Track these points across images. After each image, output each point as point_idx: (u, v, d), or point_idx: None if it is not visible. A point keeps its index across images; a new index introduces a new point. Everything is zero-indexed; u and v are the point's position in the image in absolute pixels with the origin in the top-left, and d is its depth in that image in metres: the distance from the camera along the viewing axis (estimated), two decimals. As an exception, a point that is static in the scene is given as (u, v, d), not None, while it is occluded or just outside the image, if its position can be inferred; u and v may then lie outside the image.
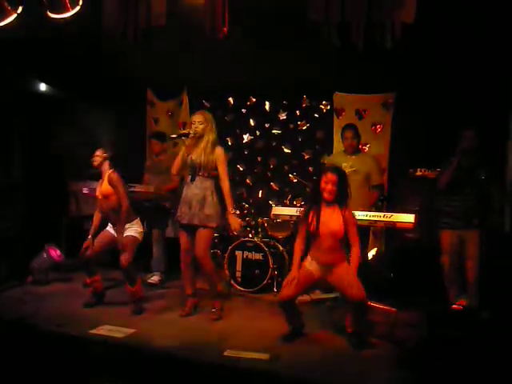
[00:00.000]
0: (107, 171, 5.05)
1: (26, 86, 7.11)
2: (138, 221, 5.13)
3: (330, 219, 4.17)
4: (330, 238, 4.15)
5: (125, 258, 4.87)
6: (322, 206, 4.21)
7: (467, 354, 3.52)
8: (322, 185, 4.16)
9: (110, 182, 4.98)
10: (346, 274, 4.11)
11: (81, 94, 7.30)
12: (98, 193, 5.12)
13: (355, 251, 4.21)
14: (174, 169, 4.88)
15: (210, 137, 4.75)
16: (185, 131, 4.78)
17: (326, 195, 4.16)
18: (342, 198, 4.19)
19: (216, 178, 4.79)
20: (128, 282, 4.99)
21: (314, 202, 4.26)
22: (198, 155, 4.70)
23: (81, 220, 7.05)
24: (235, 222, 4.80)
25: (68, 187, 7.04)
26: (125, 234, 4.97)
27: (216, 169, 4.74)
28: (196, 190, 4.74)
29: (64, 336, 4.19)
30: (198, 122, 4.74)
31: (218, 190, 4.83)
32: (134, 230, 5.02)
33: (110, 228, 5.15)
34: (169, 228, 6.61)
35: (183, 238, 4.87)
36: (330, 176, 4.13)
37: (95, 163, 5.12)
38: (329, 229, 4.14)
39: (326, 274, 4.23)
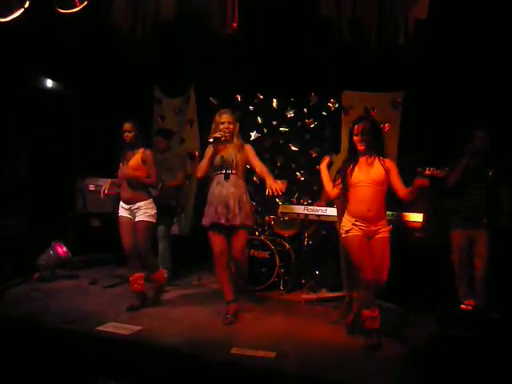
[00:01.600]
0: (137, 151, 5.01)
1: (32, 82, 7.11)
2: (150, 202, 5.03)
3: (370, 169, 4.07)
4: (371, 187, 4.02)
5: (140, 245, 4.88)
6: (360, 159, 4.11)
7: (476, 353, 3.49)
8: (354, 138, 4.09)
9: (144, 159, 4.97)
10: (381, 254, 4.06)
11: (87, 91, 7.31)
12: (121, 174, 5.05)
13: (406, 192, 4.06)
14: (201, 172, 4.64)
15: (239, 136, 4.76)
16: (217, 135, 4.51)
17: (358, 146, 4.07)
18: (377, 148, 4.11)
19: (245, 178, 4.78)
20: (149, 270, 5.05)
21: (351, 156, 4.15)
22: (229, 154, 4.60)
23: (87, 217, 7.06)
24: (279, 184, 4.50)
25: (74, 184, 7.03)
26: (136, 219, 4.94)
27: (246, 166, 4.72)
28: (232, 188, 4.58)
29: (70, 333, 4.18)
30: (228, 122, 4.63)
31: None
32: (143, 212, 4.94)
33: (123, 212, 5.03)
34: (174, 225, 6.60)
35: (219, 240, 4.64)
36: (358, 126, 4.06)
37: (128, 138, 5.01)
38: (369, 178, 4.03)
39: (371, 236, 4.09)
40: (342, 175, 4.14)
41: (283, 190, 4.47)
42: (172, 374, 3.64)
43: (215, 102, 7.43)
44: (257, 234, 6.40)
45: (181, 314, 4.90)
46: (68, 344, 4.02)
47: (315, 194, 6.88)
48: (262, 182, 7.28)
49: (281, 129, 7.36)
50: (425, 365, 3.58)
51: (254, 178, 7.40)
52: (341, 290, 5.42)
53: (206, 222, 4.65)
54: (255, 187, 7.40)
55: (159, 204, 6.12)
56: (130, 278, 5.06)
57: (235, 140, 4.66)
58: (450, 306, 4.30)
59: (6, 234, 6.26)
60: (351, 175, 4.08)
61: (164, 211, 6.30)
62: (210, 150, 4.61)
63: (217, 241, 4.64)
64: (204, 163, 4.62)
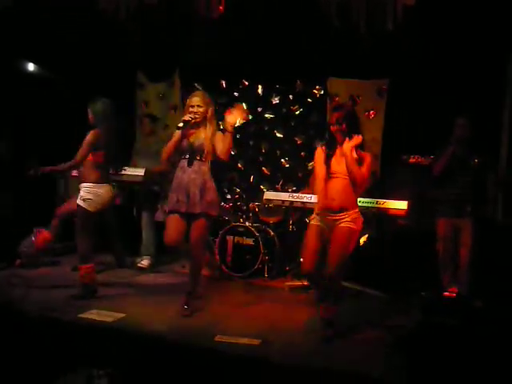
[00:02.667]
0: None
1: (17, 66, 6.99)
2: (95, 186, 4.71)
3: (343, 159, 3.93)
4: (344, 179, 3.92)
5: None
6: (338, 149, 4.00)
7: (459, 341, 3.51)
8: (332, 129, 4.03)
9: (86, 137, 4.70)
10: (338, 244, 3.90)
11: (70, 75, 7.20)
12: None
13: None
14: (166, 155, 4.40)
15: (213, 123, 4.43)
16: (186, 118, 4.27)
17: (336, 135, 4.00)
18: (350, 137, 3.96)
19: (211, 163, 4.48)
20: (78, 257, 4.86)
21: (329, 146, 4.03)
22: (198, 140, 4.33)
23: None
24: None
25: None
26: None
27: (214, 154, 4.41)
28: (194, 174, 4.31)
29: (53, 320, 4.14)
30: (197, 105, 4.34)
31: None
32: (79, 195, 4.71)
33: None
34: (158, 212, 6.56)
35: (175, 227, 4.35)
36: (335, 116, 4.01)
37: (90, 118, 4.82)
38: (342, 168, 3.91)
39: (332, 227, 3.96)
40: (326, 166, 3.99)
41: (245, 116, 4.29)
42: (155, 361, 3.62)
43: (199, 88, 7.35)
44: (241, 220, 6.38)
45: (164, 301, 4.85)
46: (50, 331, 3.98)
47: (300, 181, 6.87)
48: (247, 168, 7.34)
49: (266, 115, 7.31)
50: (408, 352, 3.60)
51: (239, 165, 7.38)
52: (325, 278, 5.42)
53: (167, 209, 4.45)
54: (240, 173, 7.38)
55: (143, 190, 6.13)
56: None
57: (207, 125, 4.37)
58: (433, 294, 4.34)
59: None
60: (329, 166, 3.96)
61: (147, 197, 6.26)
62: (176, 135, 4.37)
63: (172, 226, 4.36)
64: (169, 145, 4.37)
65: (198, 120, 4.33)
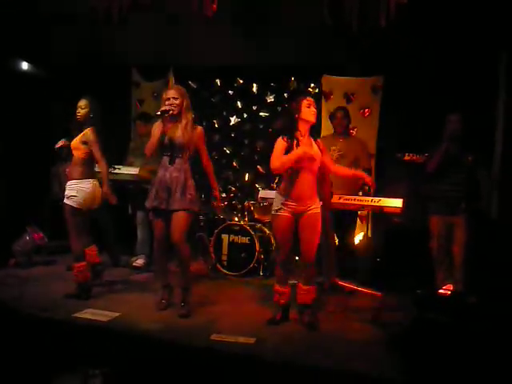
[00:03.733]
0: (84, 130, 4.77)
1: (8, 64, 6.95)
2: (78, 182, 4.72)
3: (310, 147, 4.09)
4: (310, 167, 4.07)
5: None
6: (301, 136, 4.12)
7: (454, 338, 3.52)
8: (308, 110, 4.08)
9: (85, 139, 4.73)
10: (311, 231, 4.11)
11: (64, 74, 7.17)
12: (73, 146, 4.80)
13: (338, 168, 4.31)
14: (149, 150, 4.36)
15: (189, 115, 4.41)
16: (163, 108, 4.29)
17: (311, 118, 4.10)
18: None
19: (191, 160, 4.52)
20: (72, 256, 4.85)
21: (292, 135, 4.10)
22: (178, 135, 4.33)
23: (63, 202, 6.95)
24: (219, 207, 4.80)
25: (50, 168, 6.91)
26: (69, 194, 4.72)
27: (195, 149, 4.47)
28: (176, 172, 4.35)
29: (47, 320, 4.13)
30: (173, 97, 4.35)
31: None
32: (68, 193, 4.73)
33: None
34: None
35: (159, 225, 4.44)
36: (310, 99, 4.12)
37: (79, 115, 4.80)
38: (311, 156, 4.05)
39: (299, 217, 4.14)
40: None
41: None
42: (151, 360, 3.61)
43: (194, 86, 7.35)
44: (236, 219, 6.37)
45: (160, 300, 4.85)
46: (45, 331, 3.97)
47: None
48: (242, 166, 7.33)
49: (261, 113, 7.31)
50: (403, 349, 3.61)
51: (234, 163, 7.37)
52: (320, 276, 5.43)
53: (148, 204, 4.44)
54: (235, 172, 7.37)
55: (137, 189, 6.10)
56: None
57: (183, 118, 4.36)
58: (428, 291, 4.34)
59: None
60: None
61: (142, 196, 6.23)
62: (158, 127, 4.33)
63: (157, 225, 4.45)
64: (152, 141, 4.33)
65: (174, 112, 4.32)
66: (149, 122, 6.52)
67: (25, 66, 7.18)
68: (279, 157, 4.06)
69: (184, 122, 4.36)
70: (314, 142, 4.16)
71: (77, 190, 4.70)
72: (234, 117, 7.40)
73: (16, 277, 5.44)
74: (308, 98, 4.12)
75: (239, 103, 7.40)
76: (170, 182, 4.34)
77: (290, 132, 4.11)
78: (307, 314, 4.24)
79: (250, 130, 7.36)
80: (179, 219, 4.34)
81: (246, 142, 7.36)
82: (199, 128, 4.49)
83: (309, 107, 4.08)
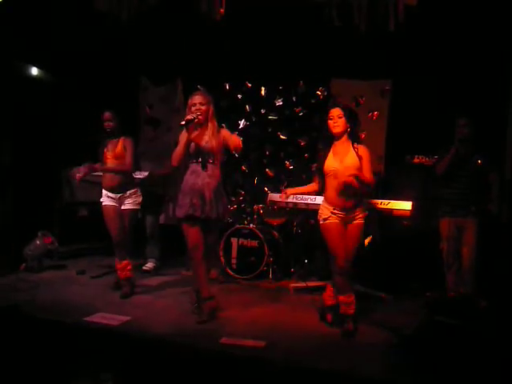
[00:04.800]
0: (119, 139, 5.11)
1: (18, 69, 7.00)
2: (137, 190, 5.20)
3: (344, 155, 4.09)
4: (345, 174, 4.00)
5: (128, 232, 5.07)
6: (334, 145, 4.14)
7: (464, 341, 3.51)
8: (329, 123, 4.11)
9: (125, 146, 5.07)
10: (353, 237, 4.14)
11: (73, 79, 7.22)
12: (108, 157, 5.09)
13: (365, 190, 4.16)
14: (176, 159, 4.26)
15: (215, 120, 4.37)
16: (189, 117, 4.19)
17: (332, 130, 4.10)
18: (351, 133, 4.14)
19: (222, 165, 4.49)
20: (121, 256, 5.06)
21: (326, 143, 4.17)
22: (205, 141, 4.26)
23: (75, 206, 7.00)
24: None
25: (61, 173, 6.96)
26: (125, 207, 5.06)
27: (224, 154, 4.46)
28: (207, 178, 4.26)
29: (58, 324, 4.15)
30: (199, 103, 4.27)
31: None
32: (132, 200, 5.11)
33: (109, 201, 5.06)
34: (163, 215, 6.57)
35: (193, 233, 4.29)
36: (332, 111, 4.10)
37: (109, 127, 5.09)
38: (343, 164, 4.05)
39: (346, 222, 4.15)
40: (319, 163, 4.15)
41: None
42: (161, 364, 3.62)
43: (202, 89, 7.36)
44: (245, 223, 6.38)
45: (169, 304, 4.88)
46: (56, 335, 3.99)
47: (304, 183, 6.85)
48: (251, 170, 7.33)
49: (269, 117, 7.31)
50: (414, 352, 3.59)
51: (243, 167, 7.37)
52: (330, 279, 5.42)
53: (180, 213, 4.31)
54: (244, 175, 7.37)
55: (147, 193, 6.13)
56: (118, 266, 5.08)
57: (209, 124, 4.31)
58: (438, 294, 4.33)
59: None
60: (325, 161, 4.11)
61: (152, 200, 6.27)
62: (184, 136, 4.25)
63: (191, 233, 4.29)
64: (179, 150, 4.25)
65: (200, 118, 4.26)
66: (157, 127, 6.57)
67: (34, 71, 7.23)
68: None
69: (211, 127, 4.31)
70: (352, 149, 4.10)
71: (140, 196, 5.22)
72: (243, 120, 7.40)
73: (27, 281, 5.47)
74: (331, 111, 4.12)
75: (247, 107, 7.41)
76: (203, 189, 4.26)
77: (324, 142, 4.21)
78: (349, 323, 4.17)
79: (258, 133, 7.36)
80: (215, 228, 4.50)
81: (255, 145, 7.36)
82: (223, 130, 4.49)
83: (331, 119, 4.10)
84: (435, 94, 5.83)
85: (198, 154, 4.29)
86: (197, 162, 4.31)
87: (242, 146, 4.41)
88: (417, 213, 5.13)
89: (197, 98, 4.30)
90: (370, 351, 3.82)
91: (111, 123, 5.07)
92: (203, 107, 4.27)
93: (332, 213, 4.12)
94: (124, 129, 5.20)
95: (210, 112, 4.33)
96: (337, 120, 4.07)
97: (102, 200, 5.06)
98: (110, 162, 5.05)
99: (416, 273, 5.38)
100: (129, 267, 5.10)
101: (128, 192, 5.07)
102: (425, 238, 5.45)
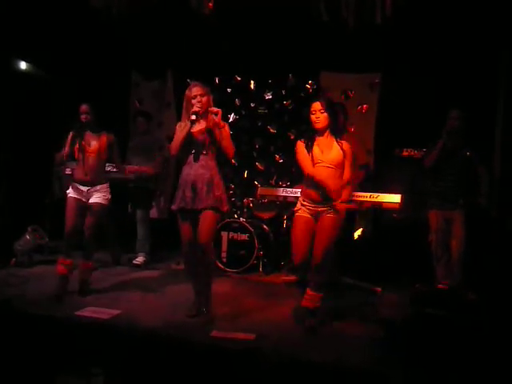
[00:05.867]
0: (100, 134, 5.00)
1: (9, 65, 6.97)
2: (108, 186, 5.04)
3: (328, 149, 4.03)
4: (329, 169, 3.99)
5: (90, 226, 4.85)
6: (317, 139, 4.08)
7: (452, 333, 3.54)
8: (311, 118, 4.07)
9: (110, 144, 5.02)
10: (326, 229, 3.99)
11: (64, 74, 7.19)
12: (89, 150, 4.94)
13: (346, 191, 4.08)
14: (175, 149, 4.13)
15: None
16: (196, 109, 4.04)
17: (314, 126, 4.05)
18: (333, 128, 4.09)
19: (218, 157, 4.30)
20: (86, 255, 4.95)
21: (308, 136, 4.12)
22: (201, 132, 4.14)
23: (64, 201, 6.96)
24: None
25: (51, 168, 6.92)
26: (93, 201, 4.89)
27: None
28: (201, 169, 4.13)
29: (49, 318, 4.15)
30: (200, 94, 4.10)
31: None
32: (102, 195, 4.93)
33: (72, 193, 4.92)
34: (153, 209, 6.57)
35: (186, 228, 4.20)
36: (314, 105, 4.06)
37: (85, 120, 4.95)
38: (327, 158, 4.00)
39: (317, 217, 4.05)
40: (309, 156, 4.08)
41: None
42: (152, 357, 3.64)
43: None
44: (235, 216, 6.39)
45: (160, 298, 4.89)
46: (46, 329, 3.99)
47: (294, 176, 6.88)
48: (240, 163, 7.34)
49: (259, 111, 7.32)
50: (401, 344, 3.62)
51: (233, 161, 7.37)
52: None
53: (174, 206, 4.23)
54: (234, 169, 7.38)
55: (137, 188, 6.13)
56: (61, 261, 4.88)
57: (209, 115, 4.14)
58: (427, 286, 4.37)
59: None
60: (312, 155, 4.04)
61: (142, 194, 6.27)
62: (184, 126, 4.12)
63: (184, 228, 4.21)
64: (177, 140, 4.13)
65: (203, 110, 4.12)
66: (150, 120, 6.55)
67: (24, 66, 7.19)
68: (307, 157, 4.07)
69: (210, 119, 4.13)
70: (335, 143, 4.06)
71: (109, 192, 5.03)
72: (233, 114, 7.40)
73: (17, 276, 5.46)
74: (312, 105, 4.08)
75: (237, 100, 7.41)
76: (196, 180, 4.13)
77: (307, 134, 4.15)
78: (309, 317, 4.14)
79: (248, 127, 7.36)
80: (206, 219, 4.12)
81: (245, 138, 7.37)
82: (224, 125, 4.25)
83: (313, 114, 4.06)
84: (424, 87, 5.85)
85: (191, 145, 4.17)
86: (191, 153, 4.19)
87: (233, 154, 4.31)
88: (406, 205, 5.16)
89: (196, 90, 4.14)
90: (357, 343, 3.84)
91: (88, 116, 4.94)
92: (204, 98, 4.13)
93: (302, 204, 4.09)
94: (112, 124, 5.12)
95: (210, 103, 4.19)
96: (319, 115, 4.02)
97: (68, 191, 4.97)
98: (88, 156, 4.91)
99: (405, 265, 5.42)
100: (71, 266, 4.87)
101: (98, 186, 4.92)
102: (414, 230, 5.50)
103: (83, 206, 4.89)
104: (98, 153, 4.96)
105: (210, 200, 4.11)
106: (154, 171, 6.10)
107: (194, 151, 4.17)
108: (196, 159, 4.16)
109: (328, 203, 4.00)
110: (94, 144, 4.95)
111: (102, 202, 4.91)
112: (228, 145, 4.18)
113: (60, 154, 4.94)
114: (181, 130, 4.14)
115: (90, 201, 4.89)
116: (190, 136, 4.12)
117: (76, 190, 4.91)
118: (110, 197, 5.00)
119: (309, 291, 4.13)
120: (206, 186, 4.12)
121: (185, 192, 4.15)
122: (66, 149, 4.86)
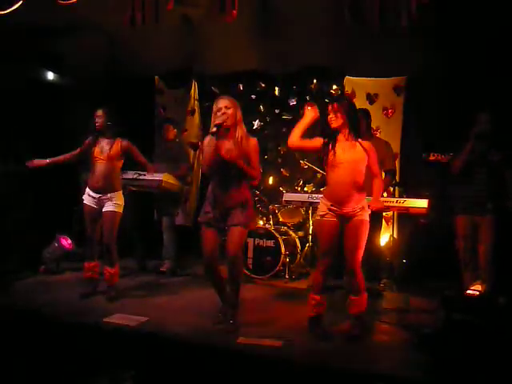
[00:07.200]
0: (114, 140, 4.97)
1: (36, 74, 7.08)
2: (120, 192, 5.03)
3: (349, 149, 3.95)
4: (350, 168, 3.91)
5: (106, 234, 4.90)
6: (339, 139, 3.99)
7: (483, 339, 3.48)
8: (328, 118, 4.00)
9: (126, 150, 5.00)
10: (355, 236, 3.95)
11: (90, 83, 7.27)
12: (99, 155, 4.94)
13: (377, 182, 4.07)
14: (207, 168, 4.12)
15: (242, 127, 4.11)
16: (218, 121, 3.96)
17: (330, 125, 3.98)
18: (353, 128, 4.00)
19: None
20: (108, 262, 4.99)
21: (329, 136, 4.00)
22: (228, 149, 4.01)
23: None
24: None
25: (79, 175, 7.01)
26: (106, 209, 4.92)
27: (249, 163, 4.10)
28: (234, 191, 4.09)
29: (77, 325, 4.19)
30: (225, 107, 4.02)
31: None
32: (114, 203, 4.93)
33: (86, 200, 4.98)
34: (179, 216, 6.59)
35: (209, 239, 4.16)
36: (331, 106, 3.99)
37: (97, 124, 4.95)
38: (349, 157, 3.92)
39: (344, 222, 3.99)
40: (324, 155, 4.00)
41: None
42: (179, 364, 3.64)
43: (217, 91, 7.38)
44: (261, 222, 6.38)
45: (187, 304, 4.90)
46: (74, 336, 4.03)
47: (319, 182, 6.86)
48: (266, 170, 7.33)
49: (283, 116, 7.32)
50: (431, 351, 3.58)
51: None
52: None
53: (202, 219, 4.21)
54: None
55: (163, 194, 6.15)
56: (86, 265, 5.06)
57: (237, 129, 4.08)
58: (455, 292, 4.30)
59: (10, 226, 6.26)
60: (330, 153, 3.95)
61: (168, 202, 6.30)
62: (211, 142, 4.03)
63: (206, 239, 4.16)
64: (207, 157, 4.07)
65: (228, 123, 4.03)
66: (176, 127, 6.60)
67: (51, 75, 7.30)
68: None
69: (238, 135, 4.07)
70: (357, 144, 3.98)
71: (122, 199, 5.03)
72: (257, 121, 7.41)
73: (46, 283, 5.53)
74: (328, 106, 4.03)
75: (262, 107, 7.42)
76: (227, 201, 4.10)
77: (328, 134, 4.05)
78: (354, 325, 4.09)
79: (273, 133, 7.36)
80: (235, 232, 4.09)
81: (270, 145, 7.37)
82: (253, 140, 4.16)
83: (329, 114, 4.00)
84: (451, 90, 5.79)
85: (218, 162, 4.04)
86: (222, 172, 4.09)
87: (259, 178, 4.26)
88: (433, 211, 5.10)
89: (222, 102, 4.07)
90: (387, 350, 3.81)
91: (101, 120, 4.94)
92: (229, 111, 4.04)
93: (329, 209, 4.01)
94: (117, 130, 5.04)
95: (238, 117, 4.10)
96: (333, 115, 3.96)
97: (83, 198, 5.02)
98: (101, 162, 4.92)
99: (433, 271, 5.34)
100: (96, 269, 5.06)
101: (109, 194, 4.90)
102: (442, 235, 5.42)
103: (96, 213, 4.95)
104: (110, 159, 4.93)
105: (242, 218, 4.10)
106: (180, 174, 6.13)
107: (225, 171, 4.08)
108: (223, 178, 4.11)
109: (353, 206, 3.94)
110: (106, 150, 4.93)
111: (115, 210, 4.92)
112: (252, 171, 4.13)
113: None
114: (208, 145, 4.09)
115: (103, 209, 4.93)
116: (220, 156, 4.01)
117: (89, 196, 4.98)
118: (122, 202, 5.00)
119: (351, 297, 4.09)
120: (237, 206, 4.11)
121: (214, 212, 4.15)
122: (77, 150, 5.04)
